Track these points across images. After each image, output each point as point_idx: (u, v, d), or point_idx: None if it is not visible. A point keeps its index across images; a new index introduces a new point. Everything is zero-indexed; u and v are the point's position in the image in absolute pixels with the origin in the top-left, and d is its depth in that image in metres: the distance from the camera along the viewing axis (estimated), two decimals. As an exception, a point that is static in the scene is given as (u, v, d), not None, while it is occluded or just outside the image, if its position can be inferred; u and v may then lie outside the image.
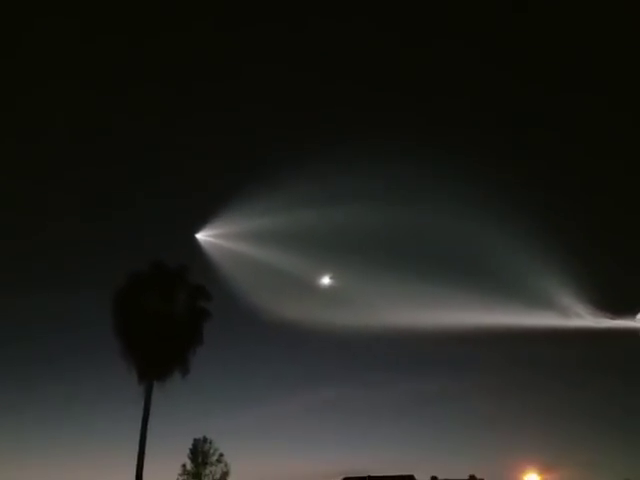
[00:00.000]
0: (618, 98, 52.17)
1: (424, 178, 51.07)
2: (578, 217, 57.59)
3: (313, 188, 47.99)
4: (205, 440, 50.20)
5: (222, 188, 64.68)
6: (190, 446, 50.48)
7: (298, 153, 51.14)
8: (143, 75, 55.67)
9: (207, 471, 49.38)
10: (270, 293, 49.37)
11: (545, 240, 49.21)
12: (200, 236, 44.48)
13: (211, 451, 49.84)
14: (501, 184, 52.04)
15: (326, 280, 51.74)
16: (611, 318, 46.44)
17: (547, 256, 48.33)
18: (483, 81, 55.39)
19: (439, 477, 41.23)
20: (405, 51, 54.20)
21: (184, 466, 49.98)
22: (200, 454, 49.75)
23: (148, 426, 30.20)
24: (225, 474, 49.69)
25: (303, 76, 57.26)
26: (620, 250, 56.34)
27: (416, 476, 41.23)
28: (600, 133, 54.28)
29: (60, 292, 65.25)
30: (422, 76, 55.27)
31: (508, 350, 58.47)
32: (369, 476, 41.64)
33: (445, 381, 63.98)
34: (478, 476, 39.15)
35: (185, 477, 49.69)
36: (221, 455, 49.95)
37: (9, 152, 54.99)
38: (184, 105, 58.27)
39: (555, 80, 53.34)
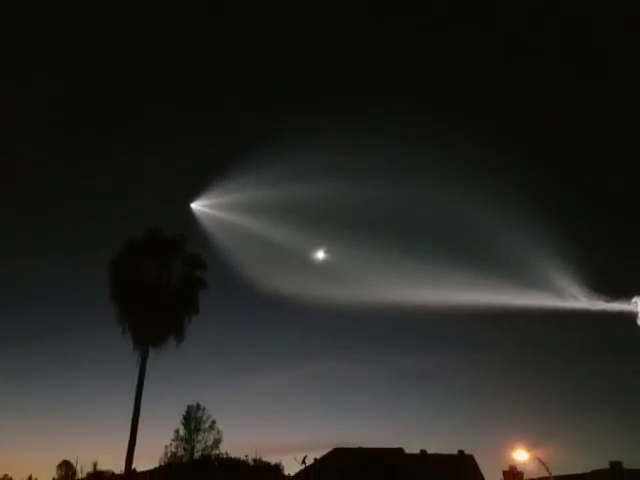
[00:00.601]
0: (619, 83, 51.68)
1: (425, 157, 50.74)
2: (576, 200, 57.57)
3: (310, 161, 47.65)
4: (198, 407, 50.82)
5: (218, 159, 64.41)
6: (183, 412, 51.12)
7: (296, 126, 50.73)
8: (144, 40, 55.02)
9: (200, 437, 50.10)
10: (264, 265, 49.35)
11: (543, 222, 49.14)
12: (195, 206, 44.15)
13: (204, 418, 50.49)
14: (501, 167, 51.80)
15: (320, 254, 51.45)
16: (606, 301, 46.50)
17: (545, 238, 48.29)
18: (486, 64, 54.85)
19: (428, 451, 41.64)
20: (409, 30, 53.58)
21: (177, 432, 50.65)
22: (193, 420, 50.39)
23: (142, 392, 30.48)
24: (217, 441, 50.36)
25: (304, 51, 56.63)
26: (617, 234, 56.38)
27: (405, 449, 41.68)
28: (601, 118, 53.93)
29: (60, 256, 65.53)
30: (425, 56, 54.66)
31: (502, 329, 58.85)
32: (360, 448, 42.08)
33: (436, 358, 64.67)
34: (467, 451, 39.61)
35: (178, 442, 50.40)
36: (214, 422, 50.61)
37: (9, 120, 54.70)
38: (183, 75, 57.74)
39: (556, 64, 52.76)
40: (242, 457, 50.91)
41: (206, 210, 44.58)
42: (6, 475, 67.83)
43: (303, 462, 44.52)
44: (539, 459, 24.32)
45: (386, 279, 51.89)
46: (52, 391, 73.88)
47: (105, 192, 65.37)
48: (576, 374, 65.07)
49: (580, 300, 47.14)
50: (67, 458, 63.98)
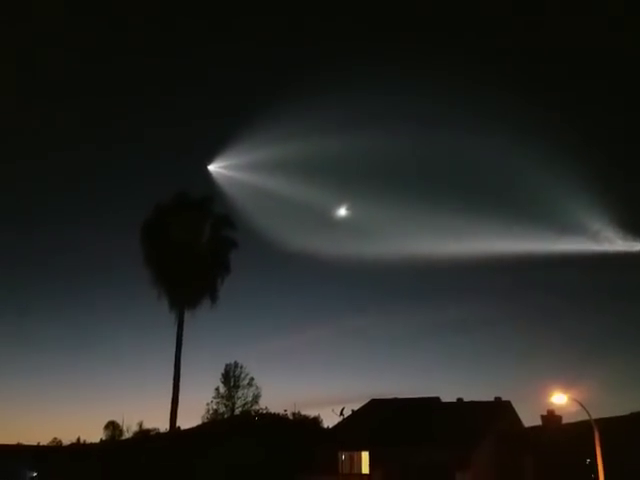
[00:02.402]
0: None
1: (449, 103, 49.35)
2: (609, 140, 55.85)
3: (327, 114, 46.50)
4: (236, 365, 51.97)
5: (231, 116, 63.51)
6: (222, 371, 52.34)
7: (313, 79, 49.47)
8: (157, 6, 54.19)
9: (239, 394, 51.38)
10: (285, 225, 49.00)
11: (574, 165, 47.89)
12: (212, 167, 43.59)
13: (242, 375, 51.66)
14: (529, 110, 50.26)
15: (342, 211, 50.98)
16: (643, 242, 45.58)
17: (576, 181, 47.16)
18: (504, 15, 52.72)
19: (464, 399, 41.93)
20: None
21: (217, 389, 51.97)
22: (232, 378, 51.58)
23: (182, 352, 31.14)
24: (257, 397, 51.67)
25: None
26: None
27: (442, 398, 42.02)
28: (623, 62, 51.68)
29: (90, 224, 66.66)
30: (444, 7, 52.67)
31: (536, 276, 58.35)
32: (395, 398, 42.57)
33: (469, 308, 64.51)
34: (503, 398, 39.73)
35: (219, 400, 51.78)
36: (252, 379, 51.79)
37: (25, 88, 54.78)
38: (196, 37, 56.77)
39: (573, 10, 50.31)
40: (281, 412, 52.14)
41: (223, 171, 44.07)
42: (55, 438, 70.56)
43: (341, 414, 45.41)
44: (578, 401, 24.22)
45: (412, 232, 51.40)
46: (95, 355, 76.21)
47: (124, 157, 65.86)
48: (612, 317, 64.54)
49: (615, 243, 46.36)
50: (113, 419, 66.12)
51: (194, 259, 31.28)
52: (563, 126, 52.15)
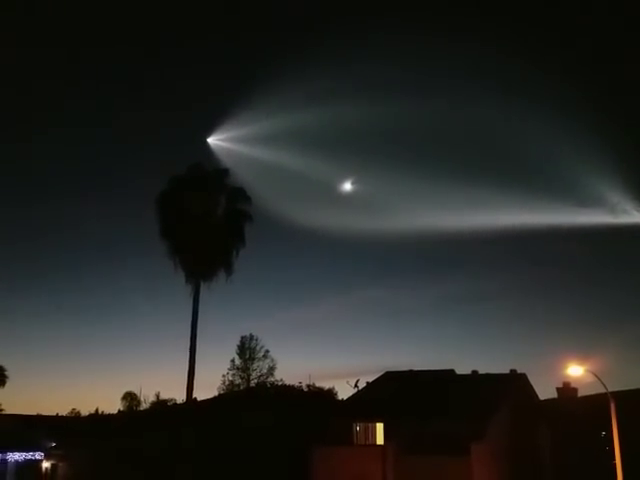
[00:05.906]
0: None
1: (461, 73, 48.35)
2: (629, 113, 54.81)
3: (330, 86, 45.36)
4: (252, 337, 52.40)
5: (231, 89, 62.49)
6: (238, 343, 52.81)
7: (317, 45, 48.23)
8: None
9: (255, 366, 51.87)
10: (292, 199, 48.33)
11: (593, 137, 47.04)
12: (212, 140, 42.46)
13: (257, 347, 52.09)
14: (545, 80, 49.19)
15: (348, 186, 50.35)
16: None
17: (595, 153, 46.38)
18: None
19: (479, 371, 41.96)
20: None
21: (233, 361, 52.49)
22: (247, 350, 52.05)
23: (198, 324, 31.31)
24: (272, 369, 52.12)
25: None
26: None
27: (457, 371, 42.05)
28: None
29: (106, 196, 67.01)
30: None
31: (551, 249, 57.99)
32: (410, 370, 42.69)
33: (485, 280, 64.43)
34: (519, 370, 39.70)
35: (234, 372, 52.32)
36: (267, 351, 52.22)
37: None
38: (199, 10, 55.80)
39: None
40: (296, 384, 52.57)
41: (223, 144, 42.99)
42: (74, 409, 72.11)
43: (356, 386, 45.59)
44: (594, 374, 24.09)
45: (425, 205, 50.81)
46: (113, 328, 77.46)
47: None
48: (629, 290, 64.18)
49: (633, 216, 45.79)
50: (131, 390, 67.19)
51: (210, 231, 31.27)
52: (581, 97, 51.15)
